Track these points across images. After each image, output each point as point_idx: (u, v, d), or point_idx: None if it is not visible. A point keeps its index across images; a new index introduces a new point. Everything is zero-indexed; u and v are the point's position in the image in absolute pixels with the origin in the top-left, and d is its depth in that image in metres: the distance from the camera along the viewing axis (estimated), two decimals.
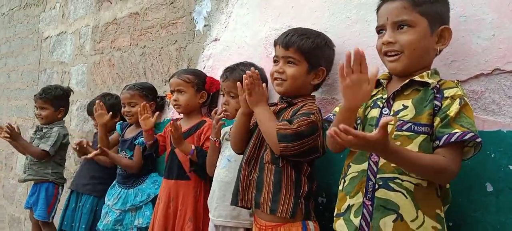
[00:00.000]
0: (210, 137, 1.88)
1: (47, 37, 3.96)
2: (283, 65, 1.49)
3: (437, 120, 1.07)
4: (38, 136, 2.94)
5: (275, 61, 1.54)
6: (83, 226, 2.48)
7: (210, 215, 1.78)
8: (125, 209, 2.28)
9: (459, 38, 1.27)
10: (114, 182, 2.44)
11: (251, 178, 1.49)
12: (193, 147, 1.95)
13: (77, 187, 2.62)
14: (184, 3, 2.38)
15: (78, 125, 3.27)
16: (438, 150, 1.06)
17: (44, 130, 2.91)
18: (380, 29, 1.22)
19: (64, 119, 3.08)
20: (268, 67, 1.83)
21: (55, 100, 2.95)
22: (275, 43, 1.55)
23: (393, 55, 1.16)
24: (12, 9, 4.78)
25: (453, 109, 1.05)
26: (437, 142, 1.06)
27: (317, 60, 1.49)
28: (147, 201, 2.27)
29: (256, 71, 1.48)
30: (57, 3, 3.83)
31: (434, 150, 1.08)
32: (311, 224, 1.42)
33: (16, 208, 4.23)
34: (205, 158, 1.92)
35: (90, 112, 2.70)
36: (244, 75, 1.46)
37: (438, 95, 1.10)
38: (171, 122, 1.93)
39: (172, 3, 2.47)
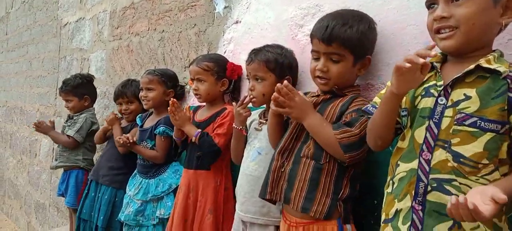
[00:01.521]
0: (233, 124, 1.77)
1: (66, 24, 3.92)
2: (326, 62, 1.32)
3: None
4: (68, 124, 2.99)
5: (314, 56, 1.37)
6: (101, 217, 2.44)
7: (237, 209, 1.69)
8: (146, 199, 2.22)
9: None
10: (135, 171, 2.38)
11: (282, 170, 1.37)
12: (198, 130, 1.87)
13: (97, 177, 2.58)
14: None
15: (98, 112, 3.22)
16: None
17: (74, 117, 2.97)
18: (430, 4, 1.05)
19: (94, 106, 3.09)
20: (294, 50, 1.71)
21: (76, 90, 2.96)
22: (312, 37, 1.37)
23: (446, 32, 0.99)
24: None
25: None
26: None
27: (364, 50, 1.34)
28: (169, 191, 2.19)
29: (289, 85, 1.29)
30: None
31: None
32: (348, 227, 1.29)
33: (41, 194, 4.28)
34: (208, 144, 1.84)
35: (117, 97, 2.62)
36: (274, 95, 1.30)
37: None
38: (172, 101, 1.88)
39: None
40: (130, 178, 2.39)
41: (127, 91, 2.57)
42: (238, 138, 1.75)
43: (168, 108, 1.93)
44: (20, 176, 4.99)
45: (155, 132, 2.24)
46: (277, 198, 1.38)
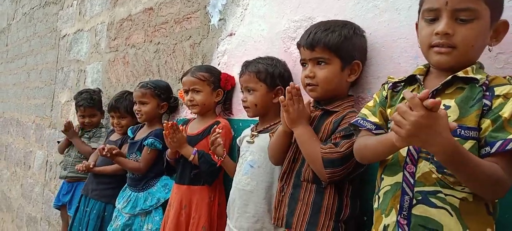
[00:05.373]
0: (215, 157, 1.77)
1: (64, 36, 3.94)
2: (312, 67, 1.33)
3: (487, 122, 0.90)
4: (86, 136, 2.96)
5: (303, 64, 1.38)
6: None
7: (230, 224, 1.64)
8: (134, 213, 2.17)
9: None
10: (126, 184, 2.34)
11: (283, 194, 1.35)
12: (194, 149, 1.83)
13: (87, 191, 2.55)
14: None
15: None
16: (488, 158, 0.88)
17: (93, 130, 2.96)
18: (431, 18, 0.99)
19: None
20: (287, 62, 1.70)
21: (99, 104, 2.98)
22: (299, 46, 1.38)
23: (445, 47, 0.96)
24: (33, 8, 4.80)
25: (507, 110, 0.88)
26: (486, 148, 0.88)
27: (350, 54, 1.32)
28: (157, 206, 2.14)
29: (297, 86, 1.30)
30: (74, 0, 3.79)
31: (482, 158, 0.90)
32: None
33: (33, 207, 4.22)
34: (208, 163, 1.80)
35: (110, 110, 2.61)
36: (283, 95, 1.30)
37: (487, 94, 0.92)
38: (171, 123, 1.83)
39: None
40: (121, 191, 2.34)
41: (120, 106, 2.55)
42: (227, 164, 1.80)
43: (164, 132, 1.85)
44: (13, 188, 4.93)
45: (144, 144, 2.20)
46: (279, 223, 1.35)
